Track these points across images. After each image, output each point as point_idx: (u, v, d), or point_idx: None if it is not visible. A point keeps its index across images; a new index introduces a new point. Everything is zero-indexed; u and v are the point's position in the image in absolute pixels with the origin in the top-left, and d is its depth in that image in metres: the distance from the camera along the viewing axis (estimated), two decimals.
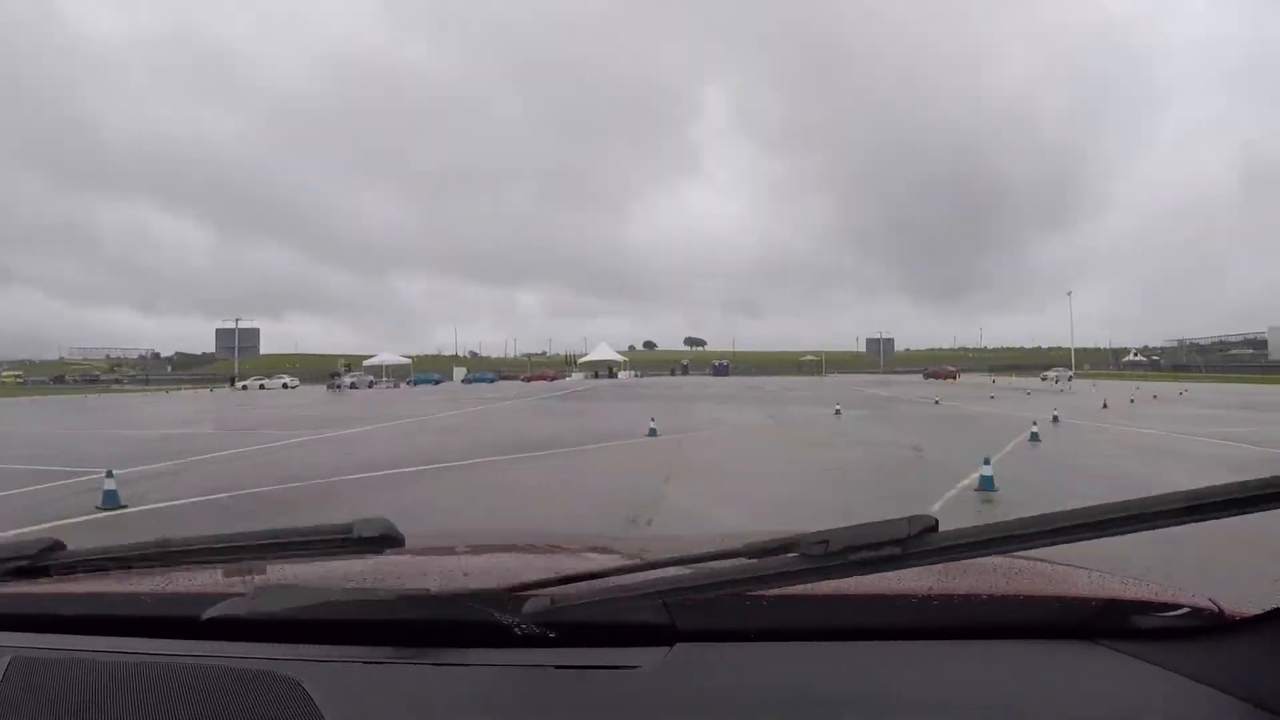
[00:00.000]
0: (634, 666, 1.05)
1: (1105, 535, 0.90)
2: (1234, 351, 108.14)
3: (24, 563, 1.23)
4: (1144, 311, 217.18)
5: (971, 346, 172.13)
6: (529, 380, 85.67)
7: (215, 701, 1.00)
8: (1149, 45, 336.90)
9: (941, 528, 0.95)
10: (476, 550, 1.91)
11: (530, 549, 1.96)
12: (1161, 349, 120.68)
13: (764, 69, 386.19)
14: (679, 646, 1.09)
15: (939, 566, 1.37)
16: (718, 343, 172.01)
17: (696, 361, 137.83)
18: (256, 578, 1.43)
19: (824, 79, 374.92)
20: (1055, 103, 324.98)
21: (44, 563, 1.25)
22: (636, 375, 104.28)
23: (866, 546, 0.97)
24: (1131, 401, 33.06)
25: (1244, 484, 0.86)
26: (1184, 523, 0.89)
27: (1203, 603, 1.14)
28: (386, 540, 1.11)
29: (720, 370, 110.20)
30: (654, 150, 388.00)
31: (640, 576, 1.22)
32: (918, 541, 0.96)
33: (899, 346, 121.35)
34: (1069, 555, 1.27)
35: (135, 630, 1.18)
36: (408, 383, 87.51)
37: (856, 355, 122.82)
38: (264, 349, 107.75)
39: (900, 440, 17.23)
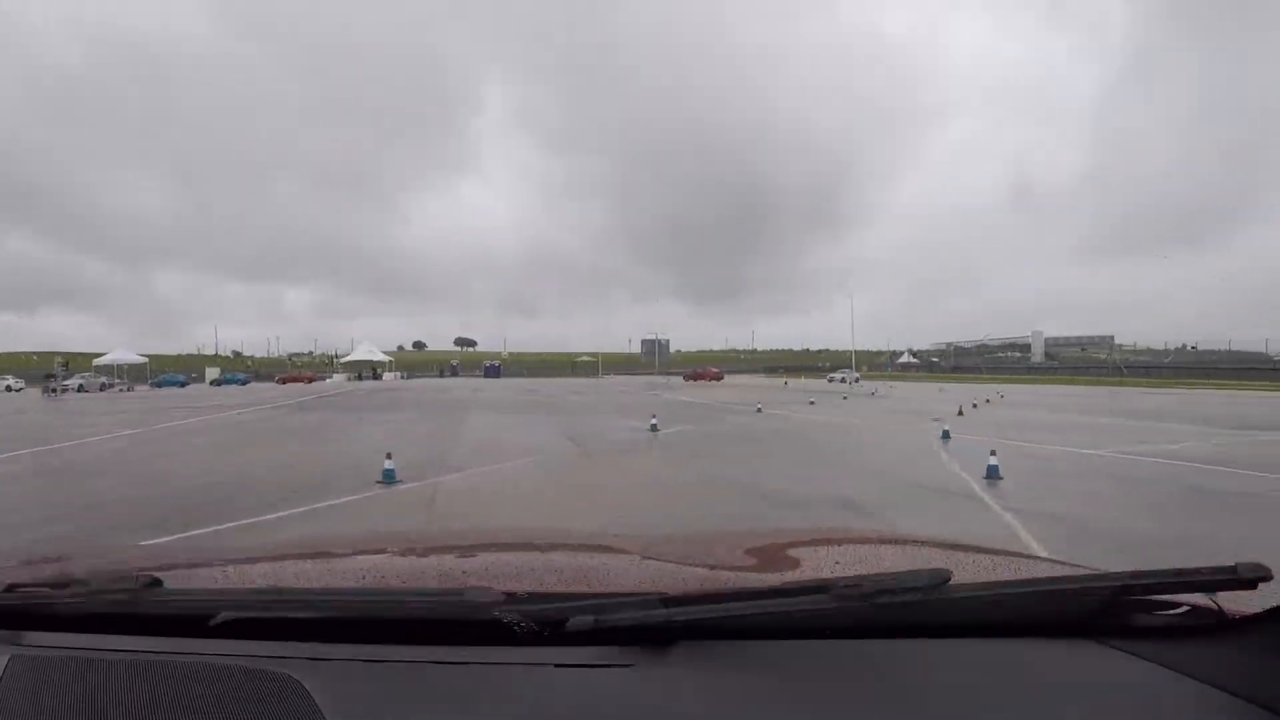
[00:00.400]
0: (632, 665, 1.06)
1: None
2: (1000, 354, 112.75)
3: (122, 597, 1.20)
4: (909, 315, 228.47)
5: (743, 348, 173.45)
6: (283, 382, 76.64)
7: (214, 700, 1.00)
8: (923, 63, 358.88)
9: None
10: (477, 549, 1.90)
11: (530, 548, 1.92)
12: (930, 351, 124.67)
13: (545, 66, 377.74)
14: (678, 645, 1.10)
15: (937, 565, 1.48)
16: (490, 343, 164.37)
17: (467, 362, 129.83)
18: (256, 575, 1.43)
19: (604, 80, 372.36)
20: (831, 114, 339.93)
21: (140, 601, 1.21)
22: (402, 377, 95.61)
23: (892, 591, 1.09)
24: (975, 406, 29.23)
25: None
26: None
27: (1203, 601, 1.15)
28: None
29: (492, 371, 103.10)
30: (431, 144, 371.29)
31: (640, 575, 1.35)
32: (936, 590, 1.09)
33: (673, 348, 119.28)
34: (1068, 554, 1.19)
35: (134, 628, 1.18)
36: (153, 384, 76.25)
37: (631, 357, 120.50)
38: (13, 346, 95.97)
39: (800, 486, 10.66)
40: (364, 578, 1.39)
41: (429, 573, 1.53)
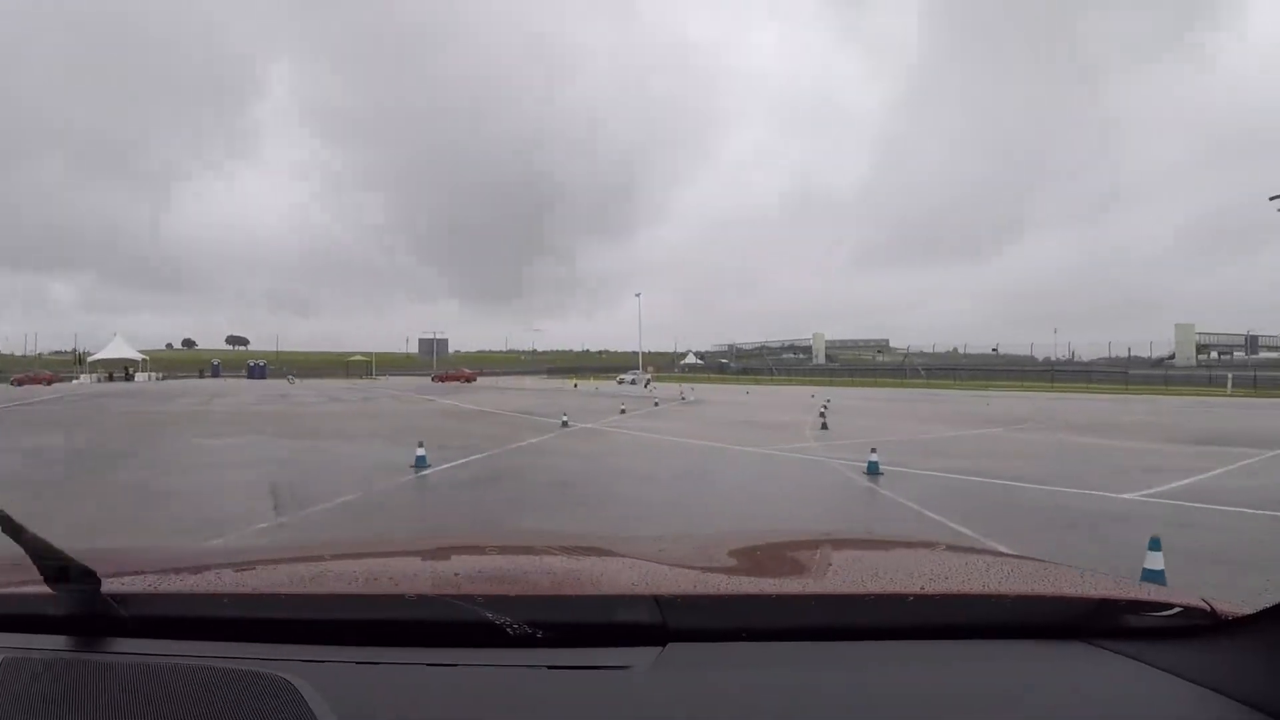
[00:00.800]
0: (626, 667, 1.06)
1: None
2: (783, 355, 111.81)
3: (115, 600, 1.18)
4: (691, 317, 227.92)
5: (525, 349, 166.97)
6: (19, 384, 64.03)
7: (207, 702, 1.00)
8: (716, 71, 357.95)
9: None
10: (469, 551, 1.90)
11: (523, 550, 1.95)
12: (714, 352, 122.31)
13: (332, 51, 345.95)
14: (671, 646, 1.10)
15: (929, 566, 1.50)
16: (264, 342, 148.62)
17: (235, 361, 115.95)
18: (249, 578, 1.45)
19: (391, 70, 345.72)
20: (623, 116, 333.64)
21: (132, 604, 1.19)
22: (158, 378, 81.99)
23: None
24: (823, 414, 23.31)
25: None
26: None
27: (1195, 602, 1.15)
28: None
29: (256, 372, 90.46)
30: (206, 129, 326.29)
31: (634, 577, 1.36)
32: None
33: (453, 348, 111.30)
34: (1054, 553, 1.38)
35: (126, 630, 1.17)
36: None
37: (409, 357, 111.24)
38: None
39: None
40: (357, 580, 1.38)
41: (422, 575, 1.51)
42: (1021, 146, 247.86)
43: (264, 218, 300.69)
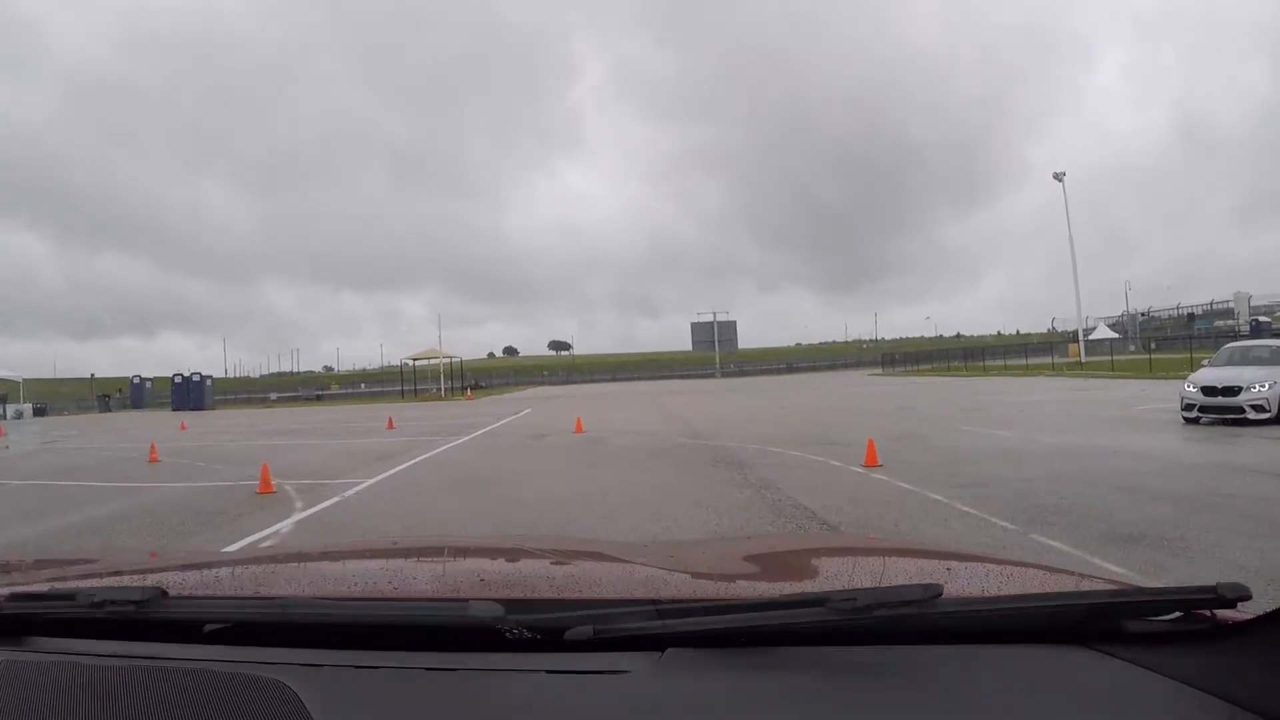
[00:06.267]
0: (625, 671, 1.06)
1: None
2: (1214, 324, 77.71)
3: (130, 609, 1.19)
4: (1053, 292, 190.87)
5: (867, 338, 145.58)
6: None
7: (206, 707, 1.00)
8: None
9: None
10: (470, 555, 1.93)
11: (524, 555, 1.94)
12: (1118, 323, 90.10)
13: (642, 13, 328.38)
14: (670, 652, 1.10)
15: (930, 572, 1.56)
16: (603, 345, 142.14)
17: (552, 367, 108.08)
18: (246, 581, 1.47)
19: (711, 24, 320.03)
20: (965, 54, 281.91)
21: (149, 613, 1.21)
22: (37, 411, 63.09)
23: (889, 605, 1.06)
24: None
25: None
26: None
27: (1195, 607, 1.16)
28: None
29: (184, 397, 64.97)
30: (524, 122, 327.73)
31: (633, 581, 1.39)
32: (931, 604, 1.06)
33: (793, 340, 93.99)
34: (1057, 561, 1.47)
35: (130, 634, 1.19)
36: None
37: (763, 353, 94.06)
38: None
39: None
40: (355, 584, 1.40)
41: (421, 578, 1.53)
42: None
43: (596, 211, 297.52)
